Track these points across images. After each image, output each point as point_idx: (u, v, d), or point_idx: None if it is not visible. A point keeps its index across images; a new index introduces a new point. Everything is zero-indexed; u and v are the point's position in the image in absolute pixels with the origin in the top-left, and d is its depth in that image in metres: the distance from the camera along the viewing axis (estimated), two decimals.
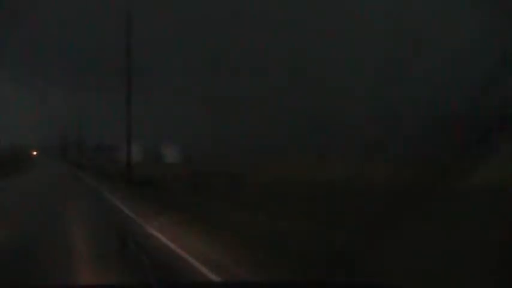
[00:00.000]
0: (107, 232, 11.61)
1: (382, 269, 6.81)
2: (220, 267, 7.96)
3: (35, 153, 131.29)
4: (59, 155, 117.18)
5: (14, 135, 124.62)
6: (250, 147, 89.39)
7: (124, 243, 9.68)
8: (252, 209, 14.55)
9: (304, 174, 31.42)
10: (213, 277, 7.20)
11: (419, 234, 9.21)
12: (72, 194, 23.20)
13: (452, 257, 7.69)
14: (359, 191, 18.21)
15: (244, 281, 5.56)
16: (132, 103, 29.97)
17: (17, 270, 7.81)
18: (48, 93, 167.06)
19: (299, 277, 6.87)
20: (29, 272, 7.64)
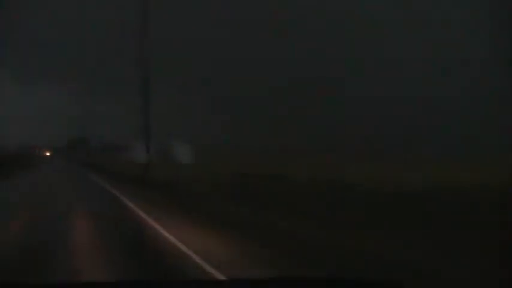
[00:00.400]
0: None
1: None
2: None
3: (47, 154, 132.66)
4: (69, 155, 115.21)
5: (26, 136, 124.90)
6: (259, 146, 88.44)
7: None
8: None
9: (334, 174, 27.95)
10: None
11: None
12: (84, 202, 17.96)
13: None
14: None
15: (248, 279, 5.58)
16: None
17: None
18: (58, 95, 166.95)
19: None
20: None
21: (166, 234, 10.68)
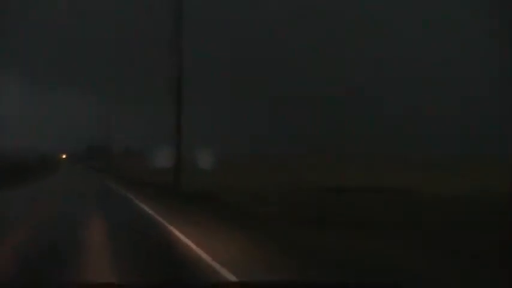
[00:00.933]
0: None
1: None
2: None
3: (64, 156, 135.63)
4: (88, 161, 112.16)
5: (45, 141, 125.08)
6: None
7: None
8: None
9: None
10: None
11: None
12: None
13: None
14: None
15: (259, 281, 5.56)
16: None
17: None
18: (78, 100, 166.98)
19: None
20: None
21: None
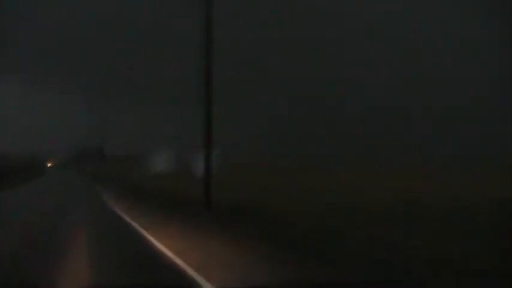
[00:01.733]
0: None
1: None
2: None
3: (49, 165, 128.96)
4: (79, 167, 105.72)
5: (33, 145, 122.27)
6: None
7: None
8: None
9: None
10: None
11: None
12: None
13: None
14: None
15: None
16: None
17: None
18: (68, 103, 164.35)
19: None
20: None
21: None
